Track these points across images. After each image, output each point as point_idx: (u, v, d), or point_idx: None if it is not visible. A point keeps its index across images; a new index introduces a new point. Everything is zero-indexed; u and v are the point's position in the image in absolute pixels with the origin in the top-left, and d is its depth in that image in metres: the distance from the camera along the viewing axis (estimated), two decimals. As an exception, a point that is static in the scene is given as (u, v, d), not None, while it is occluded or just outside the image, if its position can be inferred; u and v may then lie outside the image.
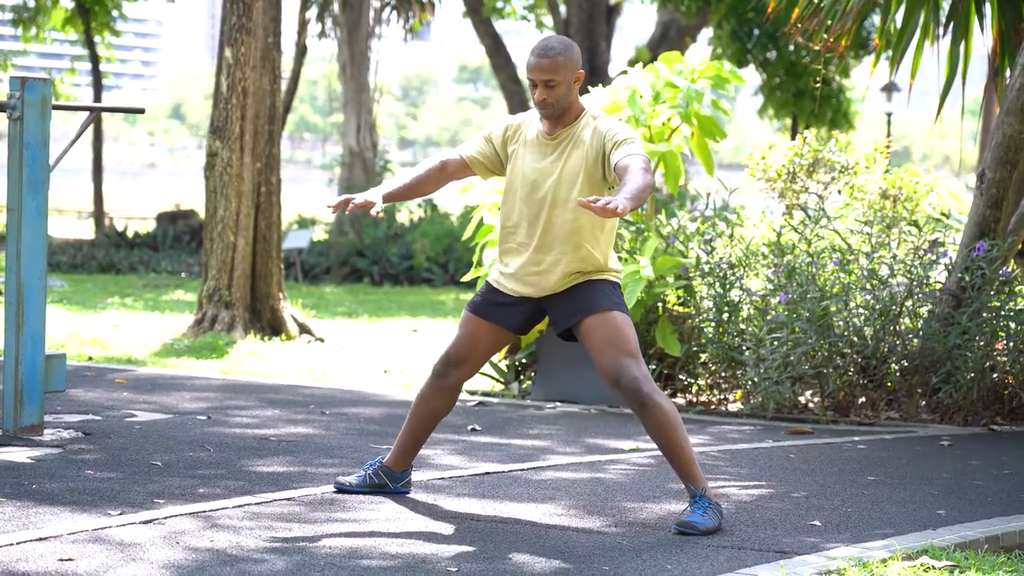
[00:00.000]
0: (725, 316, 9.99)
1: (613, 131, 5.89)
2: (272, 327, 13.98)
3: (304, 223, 29.87)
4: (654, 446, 8.12)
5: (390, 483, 6.39)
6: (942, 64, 10.38)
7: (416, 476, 6.75)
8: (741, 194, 11.59)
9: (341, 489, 6.38)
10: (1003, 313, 9.59)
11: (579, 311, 5.96)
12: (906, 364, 9.67)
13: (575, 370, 9.88)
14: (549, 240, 5.97)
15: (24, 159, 7.42)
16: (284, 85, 25.13)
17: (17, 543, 5.19)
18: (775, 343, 9.60)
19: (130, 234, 29.40)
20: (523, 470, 7.20)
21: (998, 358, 9.61)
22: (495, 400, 10.15)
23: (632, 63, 27.14)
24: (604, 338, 5.90)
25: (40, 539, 5.27)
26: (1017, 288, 9.74)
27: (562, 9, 29.38)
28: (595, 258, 6.00)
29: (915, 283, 9.69)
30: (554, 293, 6.03)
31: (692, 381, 10.21)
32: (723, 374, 10.13)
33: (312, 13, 29.22)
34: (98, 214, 31.09)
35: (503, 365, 10.66)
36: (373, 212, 5.90)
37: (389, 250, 25.81)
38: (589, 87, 10.82)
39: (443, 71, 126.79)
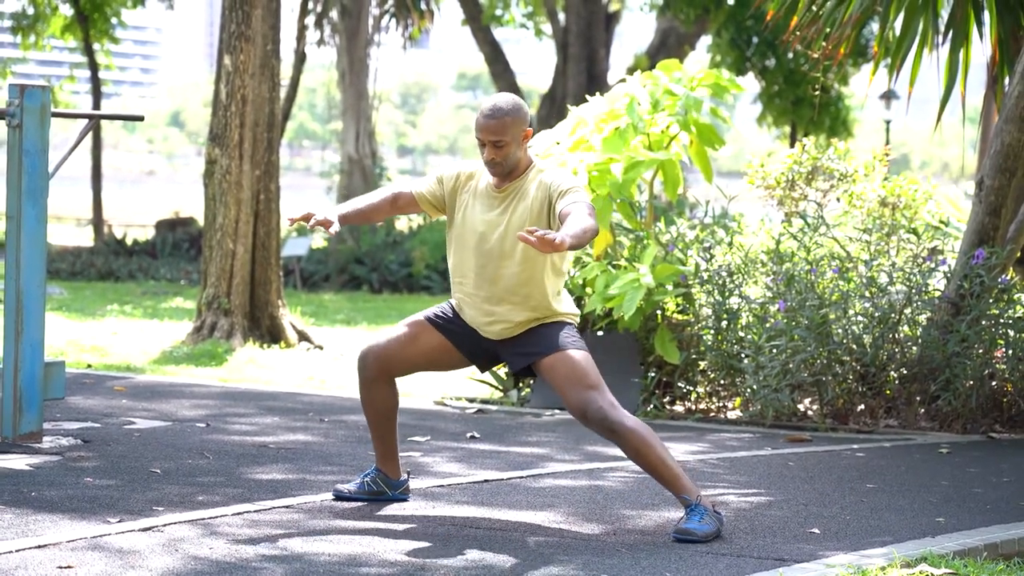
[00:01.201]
0: (724, 324, 9.99)
1: (558, 182, 5.98)
2: (271, 334, 13.98)
3: (303, 230, 29.85)
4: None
5: (388, 490, 6.40)
6: (941, 72, 10.39)
7: (415, 483, 6.75)
8: (740, 202, 11.59)
9: (340, 496, 6.39)
10: (1002, 321, 9.59)
11: (535, 353, 6.03)
12: (905, 372, 9.67)
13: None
14: (498, 292, 6.06)
15: (23, 166, 7.42)
16: (283, 92, 25.15)
17: (16, 551, 5.19)
18: (774, 351, 9.60)
19: (129, 241, 29.40)
20: (522, 477, 7.20)
21: (997, 366, 9.61)
22: (494, 407, 10.15)
23: (631, 71, 27.12)
24: (564, 375, 5.94)
25: (39, 546, 5.27)
26: (1016, 296, 9.74)
27: (561, 17, 29.39)
28: (547, 305, 6.07)
29: (914, 291, 9.69)
30: (507, 339, 6.10)
31: (691, 389, 10.21)
32: (722, 382, 10.13)
33: (311, 20, 29.23)
34: (97, 221, 31.09)
35: (501, 373, 10.66)
36: (331, 231, 6.00)
37: (388, 257, 25.82)
38: (587, 95, 10.82)
39: (442, 79, 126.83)
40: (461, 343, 6.20)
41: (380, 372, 6.23)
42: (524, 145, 6.04)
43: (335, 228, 6.00)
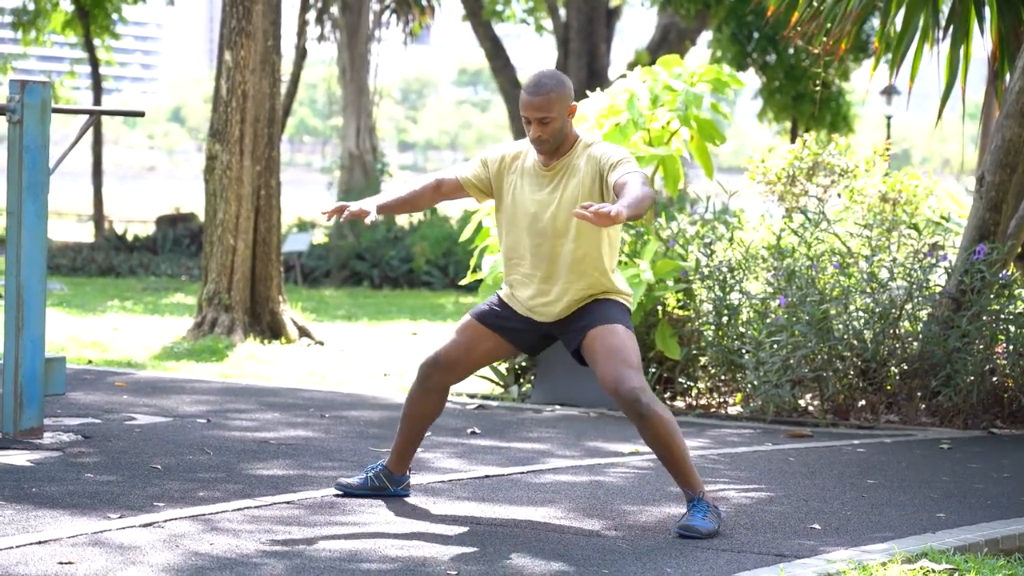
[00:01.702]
0: (725, 319, 9.99)
1: (608, 154, 5.91)
2: (272, 330, 13.98)
3: (304, 226, 29.87)
4: (654, 449, 8.12)
5: (390, 486, 6.39)
6: (942, 67, 10.39)
7: (415, 479, 6.75)
8: (741, 197, 11.59)
9: (342, 490, 6.38)
10: (1003, 316, 9.59)
11: (585, 327, 5.98)
12: (906, 367, 9.67)
13: (575, 373, 9.87)
14: (555, 270, 5.99)
15: (24, 162, 7.42)
16: (284, 88, 25.13)
17: (17, 546, 5.19)
18: (775, 346, 9.60)
19: (130, 237, 29.40)
20: (523, 473, 7.20)
21: (998, 361, 9.61)
22: (495, 403, 10.15)
23: (632, 66, 27.09)
24: (606, 347, 5.90)
25: (40, 542, 5.27)
26: (1017, 291, 9.74)
27: (562, 12, 29.38)
28: (602, 283, 6.02)
29: (915, 286, 9.69)
30: (563, 318, 6.05)
31: (692, 384, 10.21)
32: (723, 377, 10.13)
33: (311, 16, 29.22)
34: (98, 217, 31.09)
35: (503, 368, 10.66)
36: (368, 221, 5.92)
37: (388, 253, 25.82)
38: (588, 91, 10.82)
39: (443, 74, 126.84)
40: (515, 337, 6.15)
41: (443, 383, 6.23)
42: (570, 120, 5.96)
43: (372, 218, 5.91)
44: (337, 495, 6.37)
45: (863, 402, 9.75)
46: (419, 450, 7.76)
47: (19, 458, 6.98)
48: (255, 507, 6.08)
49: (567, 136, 5.97)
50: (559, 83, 5.92)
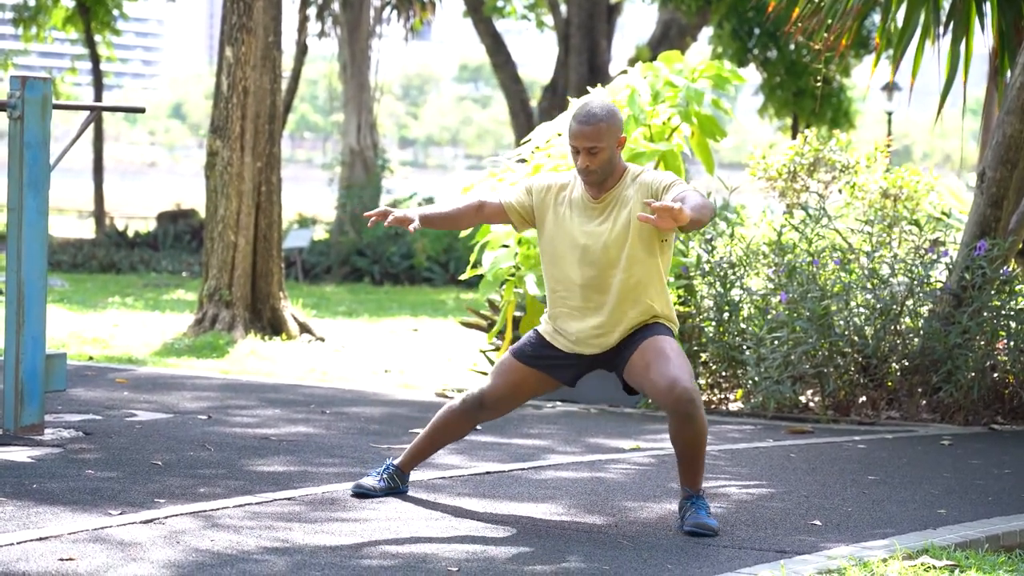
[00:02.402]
0: (726, 315, 9.99)
1: (659, 179, 5.87)
2: (273, 326, 13.99)
3: (304, 222, 29.85)
4: (654, 446, 8.13)
5: (401, 484, 6.38)
6: (943, 63, 10.38)
7: (417, 475, 6.75)
8: (742, 193, 11.59)
9: (362, 494, 6.31)
10: (1004, 312, 9.59)
11: (634, 346, 5.93)
12: (907, 363, 9.67)
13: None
14: (608, 301, 5.94)
15: (25, 158, 7.42)
16: (284, 84, 25.12)
17: (18, 543, 5.19)
18: (776, 342, 9.60)
19: (131, 233, 29.40)
20: (524, 469, 7.20)
21: (999, 357, 9.61)
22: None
23: (633, 62, 27.11)
24: (658, 353, 5.85)
25: (40, 539, 5.27)
26: (1018, 287, 9.74)
27: (563, 8, 29.36)
28: (654, 308, 5.97)
29: (916, 282, 9.68)
30: (613, 347, 6.02)
31: (693, 380, 10.19)
32: (724, 373, 10.13)
33: (312, 12, 29.20)
34: (99, 213, 31.08)
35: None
36: (411, 228, 5.87)
37: (389, 249, 25.81)
38: (588, 87, 10.81)
39: (444, 70, 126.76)
40: (560, 373, 6.10)
41: (485, 420, 6.26)
42: (619, 152, 5.91)
43: (415, 226, 5.87)
44: (356, 494, 6.32)
45: (864, 398, 9.75)
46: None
47: (20, 454, 6.99)
48: (256, 503, 6.07)
49: (615, 167, 5.91)
50: (610, 114, 5.86)
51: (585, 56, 28.39)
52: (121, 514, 5.73)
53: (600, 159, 5.84)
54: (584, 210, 5.95)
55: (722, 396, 10.20)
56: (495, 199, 6.10)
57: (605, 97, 5.98)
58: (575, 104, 5.94)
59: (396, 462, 6.40)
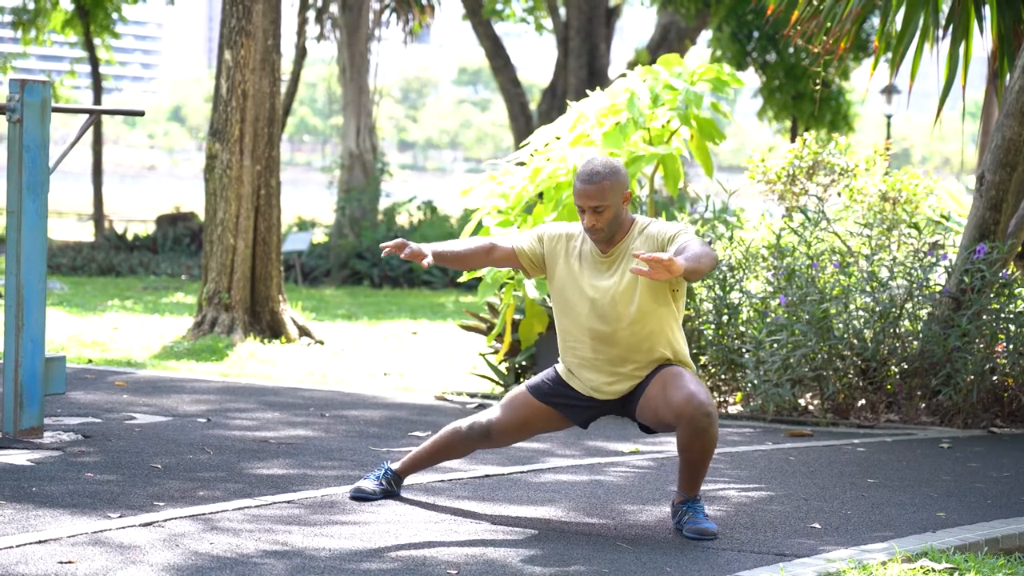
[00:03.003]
0: (725, 318, 9.99)
1: (663, 230, 5.88)
2: (272, 329, 13.98)
3: (304, 225, 29.85)
4: (654, 449, 8.13)
5: (397, 489, 6.40)
6: (942, 66, 10.39)
7: (416, 478, 6.75)
8: (741, 196, 11.58)
9: (360, 497, 6.31)
10: (1003, 315, 9.59)
11: (648, 380, 5.95)
12: (906, 366, 9.67)
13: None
14: (620, 353, 5.96)
15: (24, 162, 7.42)
16: (284, 87, 25.13)
17: (17, 546, 5.20)
18: (775, 345, 9.60)
19: (130, 237, 29.39)
20: (523, 472, 7.20)
21: (998, 360, 9.61)
22: (495, 402, 10.14)
23: (632, 65, 27.10)
24: (676, 375, 5.87)
25: (40, 542, 5.27)
26: (1017, 290, 9.74)
27: (562, 12, 29.38)
28: (666, 356, 5.99)
29: (915, 285, 9.69)
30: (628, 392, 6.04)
31: (692, 383, 10.19)
32: (723, 376, 10.13)
33: (311, 15, 29.21)
34: (98, 217, 31.07)
35: (503, 367, 10.66)
36: (424, 263, 5.86)
37: (389, 252, 25.78)
38: (588, 90, 10.81)
39: (443, 73, 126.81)
40: (573, 413, 6.12)
41: (487, 447, 6.30)
42: (625, 207, 5.92)
43: (428, 261, 5.87)
44: (354, 497, 6.32)
45: (863, 401, 9.75)
46: (419, 449, 7.78)
47: (19, 457, 6.98)
48: (255, 506, 6.08)
49: (623, 222, 5.92)
50: (613, 171, 5.86)
51: (584, 59, 28.40)
52: (120, 517, 5.74)
53: (605, 217, 5.85)
54: (593, 264, 5.97)
55: (721, 399, 10.20)
56: (507, 244, 6.11)
57: (606, 157, 5.96)
58: (580, 167, 5.91)
59: (394, 467, 6.41)
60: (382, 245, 5.99)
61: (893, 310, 9.64)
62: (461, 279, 10.58)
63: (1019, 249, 10.08)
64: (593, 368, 6.00)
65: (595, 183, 5.82)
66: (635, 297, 5.88)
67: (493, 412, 6.21)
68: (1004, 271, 9.61)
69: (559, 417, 6.14)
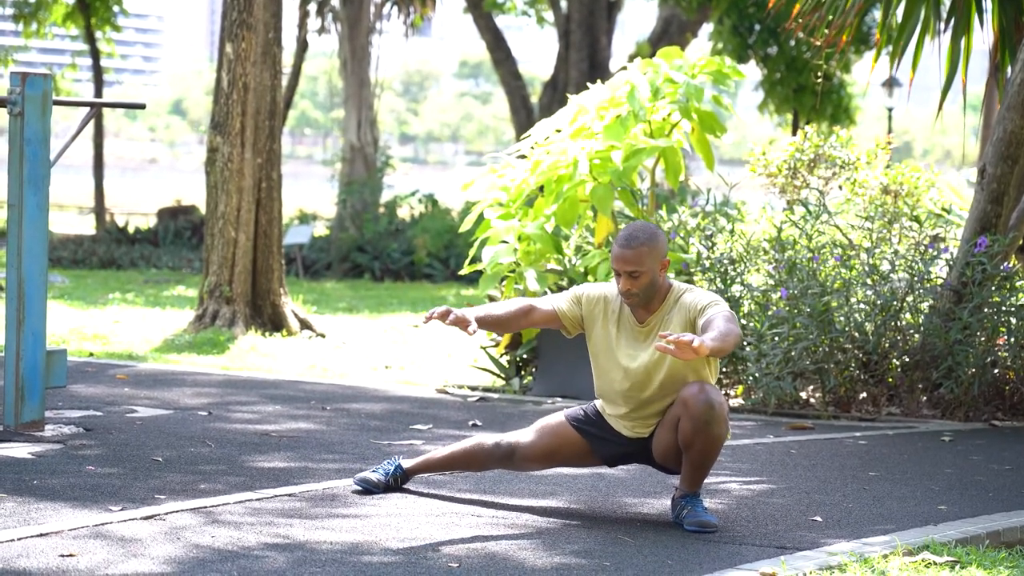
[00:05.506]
0: (726, 311, 9.98)
1: (696, 300, 5.86)
2: (273, 323, 13.99)
3: (305, 219, 29.83)
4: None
5: (400, 485, 6.39)
6: (943, 59, 10.38)
7: (417, 472, 6.76)
8: (742, 189, 11.58)
9: (364, 488, 6.31)
10: (1004, 308, 9.59)
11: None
12: (907, 360, 9.67)
13: (576, 366, 9.88)
14: (652, 412, 5.99)
15: (25, 155, 7.41)
16: (285, 80, 25.10)
17: (18, 539, 5.20)
18: (776, 339, 9.60)
19: (131, 230, 29.39)
20: (524, 466, 7.19)
21: (999, 354, 9.62)
22: (496, 396, 10.15)
23: (633, 58, 27.06)
24: (694, 380, 5.89)
25: (41, 535, 5.27)
26: (1018, 283, 9.74)
27: (563, 4, 29.35)
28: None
29: (916, 278, 9.69)
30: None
31: (693, 376, 10.19)
32: (724, 369, 10.13)
33: (312, 8, 29.19)
34: (99, 210, 31.06)
35: (504, 360, 10.66)
36: (469, 330, 5.83)
37: (390, 246, 25.79)
38: (589, 83, 10.81)
39: (444, 66, 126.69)
40: (603, 448, 6.13)
41: (507, 468, 6.26)
42: (663, 274, 5.89)
43: (473, 328, 5.84)
44: (356, 490, 6.32)
45: (864, 394, 9.76)
46: (421, 442, 7.79)
47: (20, 450, 6.99)
48: (256, 499, 6.08)
49: (659, 289, 5.91)
50: (651, 236, 5.85)
51: (585, 52, 28.38)
52: (122, 510, 5.74)
53: (641, 283, 5.84)
54: (631, 332, 5.97)
55: (723, 392, 10.20)
56: (546, 306, 6.09)
57: (647, 224, 5.95)
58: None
59: (405, 465, 6.39)
60: (425, 315, 5.89)
61: (894, 303, 9.64)
62: (462, 272, 10.59)
63: (1020, 242, 10.08)
64: (625, 421, 6.06)
65: (632, 248, 5.81)
66: (665, 367, 5.88)
67: (523, 435, 6.20)
68: (1005, 264, 9.61)
69: (587, 451, 6.14)
